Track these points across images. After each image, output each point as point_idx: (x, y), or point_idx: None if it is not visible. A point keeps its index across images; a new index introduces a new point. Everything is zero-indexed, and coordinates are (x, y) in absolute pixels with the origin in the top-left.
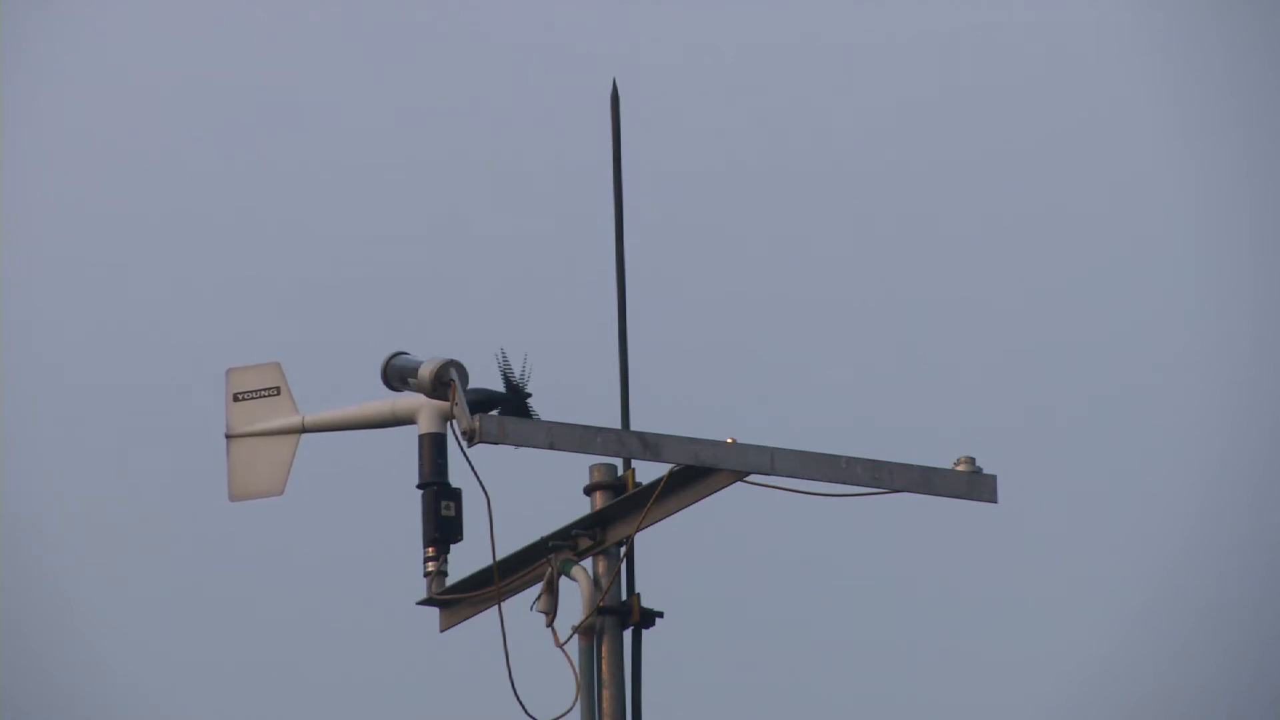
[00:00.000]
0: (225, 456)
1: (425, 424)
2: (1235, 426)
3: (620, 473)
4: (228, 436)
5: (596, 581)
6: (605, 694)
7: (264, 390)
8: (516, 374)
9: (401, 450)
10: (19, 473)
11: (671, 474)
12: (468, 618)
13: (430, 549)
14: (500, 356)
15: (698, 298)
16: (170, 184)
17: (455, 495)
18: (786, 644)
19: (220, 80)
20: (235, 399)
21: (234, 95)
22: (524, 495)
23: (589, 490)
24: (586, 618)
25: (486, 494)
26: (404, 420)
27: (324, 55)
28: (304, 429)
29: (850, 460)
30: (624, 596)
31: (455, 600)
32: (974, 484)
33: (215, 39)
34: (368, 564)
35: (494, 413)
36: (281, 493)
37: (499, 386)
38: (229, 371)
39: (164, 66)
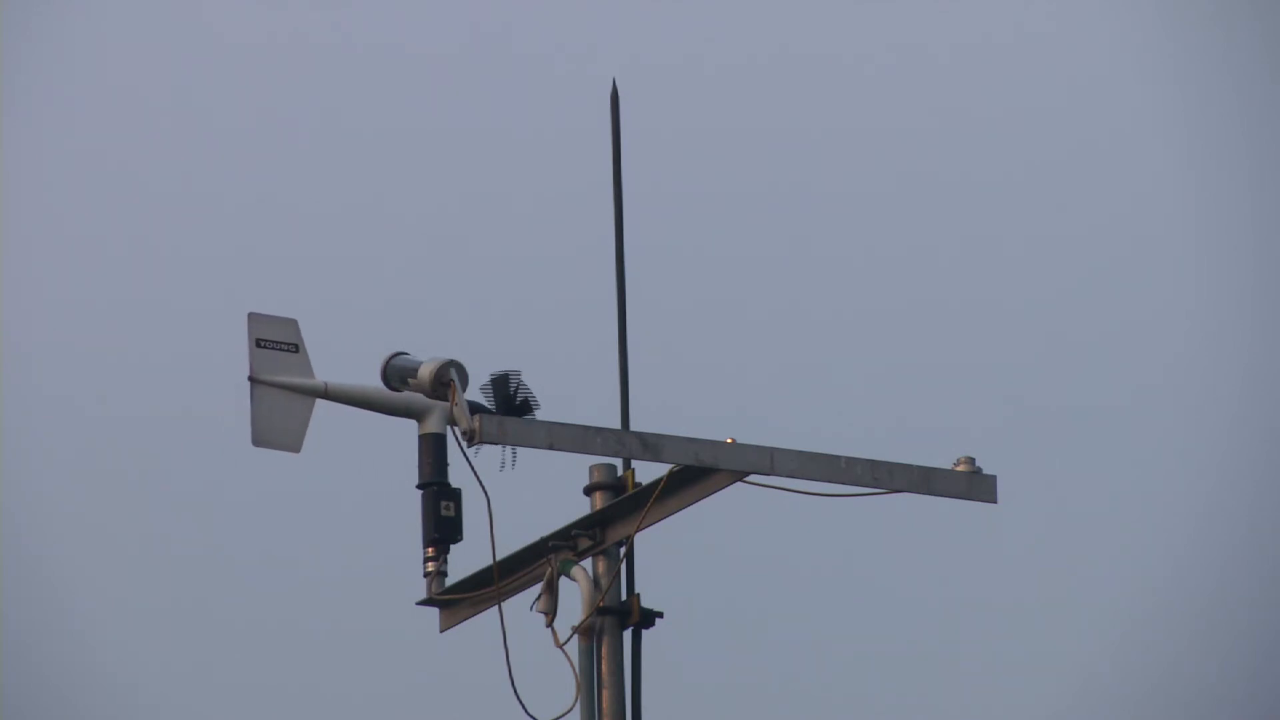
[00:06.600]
0: (249, 400)
1: (428, 424)
2: (1235, 427)
3: (620, 473)
4: (251, 380)
5: (596, 581)
6: (605, 694)
7: (283, 344)
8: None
9: (401, 450)
10: (19, 473)
11: (671, 474)
12: (468, 618)
13: (430, 549)
14: (493, 388)
15: (698, 298)
16: (173, 189)
17: (455, 495)
18: (786, 644)
19: (220, 91)
20: (258, 344)
21: (234, 106)
22: (524, 495)
23: (589, 490)
24: (586, 618)
25: (486, 494)
26: (415, 413)
27: (324, 61)
28: (326, 394)
29: (850, 460)
30: (624, 596)
31: (455, 600)
32: (974, 484)
33: (217, 44)
34: (368, 564)
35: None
36: (299, 451)
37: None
38: (250, 315)
39: (165, 69)
